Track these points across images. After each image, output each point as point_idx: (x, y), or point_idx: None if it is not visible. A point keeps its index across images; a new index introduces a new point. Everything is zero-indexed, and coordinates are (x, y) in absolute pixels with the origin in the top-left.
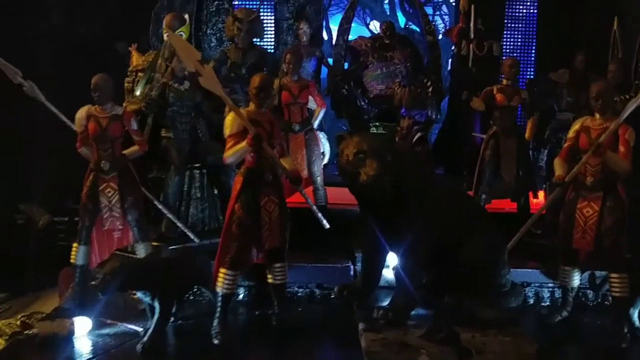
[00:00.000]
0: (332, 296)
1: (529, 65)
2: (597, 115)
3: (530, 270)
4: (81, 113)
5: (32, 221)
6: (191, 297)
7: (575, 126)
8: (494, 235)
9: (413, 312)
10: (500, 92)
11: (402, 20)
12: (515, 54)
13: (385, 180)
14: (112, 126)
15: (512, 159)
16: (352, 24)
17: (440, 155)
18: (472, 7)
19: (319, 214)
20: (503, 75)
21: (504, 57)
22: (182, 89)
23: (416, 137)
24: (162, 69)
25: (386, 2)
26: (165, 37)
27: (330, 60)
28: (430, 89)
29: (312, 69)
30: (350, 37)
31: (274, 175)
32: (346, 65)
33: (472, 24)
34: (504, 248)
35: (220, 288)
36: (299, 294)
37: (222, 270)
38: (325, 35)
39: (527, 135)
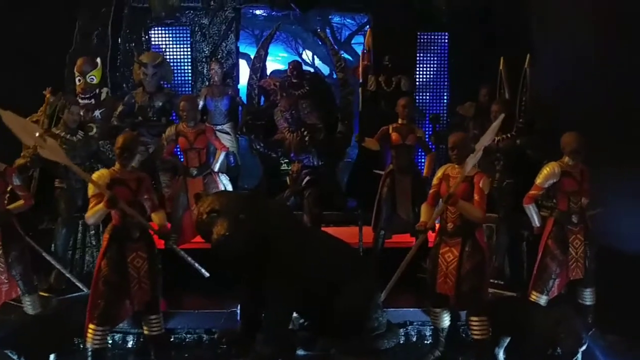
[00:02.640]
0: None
1: (442, 99)
2: (456, 165)
3: (411, 309)
4: None
5: None
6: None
7: (439, 173)
8: (366, 281)
9: None
10: (395, 131)
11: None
12: (428, 88)
13: (236, 240)
14: None
15: (408, 198)
16: (285, 54)
17: (354, 190)
18: (366, 46)
19: (196, 264)
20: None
21: (418, 93)
22: (75, 140)
23: (305, 180)
24: (44, 125)
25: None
26: (77, 81)
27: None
28: (307, 138)
29: (225, 107)
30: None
31: (142, 231)
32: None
33: (361, 62)
34: (376, 292)
35: (90, 343)
36: (187, 340)
37: (91, 326)
38: None
39: (425, 172)
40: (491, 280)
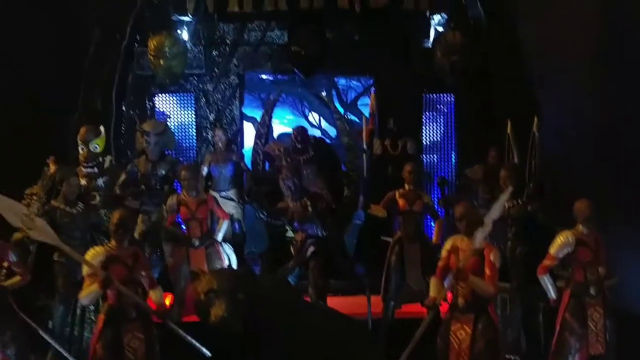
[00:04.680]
0: None
1: (449, 160)
2: (465, 236)
3: None
4: None
5: None
6: None
7: (447, 245)
8: (371, 357)
9: None
10: (402, 197)
11: (342, 111)
12: (435, 149)
13: (234, 320)
14: None
15: (416, 266)
16: (292, 117)
17: (362, 256)
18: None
19: (196, 344)
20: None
21: (425, 154)
22: (74, 212)
23: (310, 251)
24: (42, 198)
25: (323, 94)
26: (80, 149)
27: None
28: (310, 208)
29: (229, 173)
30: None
31: (138, 310)
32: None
33: (364, 126)
34: None
35: None
36: None
37: None
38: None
39: (434, 239)
40: (507, 356)
